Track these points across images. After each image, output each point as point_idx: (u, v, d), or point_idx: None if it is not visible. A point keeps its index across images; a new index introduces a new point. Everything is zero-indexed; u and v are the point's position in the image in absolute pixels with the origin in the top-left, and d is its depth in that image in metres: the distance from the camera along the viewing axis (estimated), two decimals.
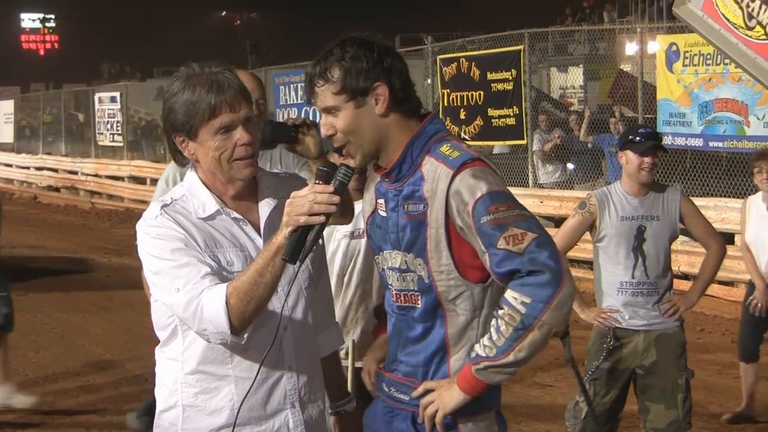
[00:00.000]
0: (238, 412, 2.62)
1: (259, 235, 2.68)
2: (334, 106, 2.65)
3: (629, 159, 4.87)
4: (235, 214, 2.69)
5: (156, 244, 2.62)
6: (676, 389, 4.86)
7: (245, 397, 2.61)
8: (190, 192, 2.71)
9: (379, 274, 2.85)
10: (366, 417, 2.90)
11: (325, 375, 2.87)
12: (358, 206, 4.36)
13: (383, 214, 2.77)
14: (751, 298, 6.53)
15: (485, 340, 2.57)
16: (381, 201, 2.79)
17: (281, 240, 2.49)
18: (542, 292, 2.50)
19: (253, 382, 2.60)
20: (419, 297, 2.69)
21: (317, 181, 2.51)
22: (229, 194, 2.71)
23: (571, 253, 5.44)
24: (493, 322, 2.57)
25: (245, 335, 2.56)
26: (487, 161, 2.64)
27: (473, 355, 2.59)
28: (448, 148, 2.64)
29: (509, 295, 2.53)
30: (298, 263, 2.48)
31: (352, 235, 4.41)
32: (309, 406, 2.74)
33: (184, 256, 2.57)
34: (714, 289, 7.14)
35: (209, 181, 2.71)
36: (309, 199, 2.47)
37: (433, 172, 2.62)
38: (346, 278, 4.43)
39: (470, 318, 2.64)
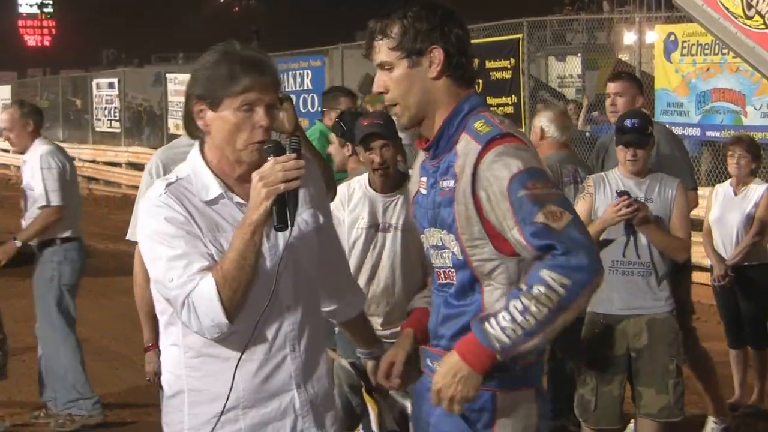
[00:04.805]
0: (230, 391, 2.61)
1: None
2: (388, 62, 2.69)
3: (618, 148, 4.95)
4: (238, 199, 2.67)
5: (157, 227, 2.61)
6: (667, 374, 4.85)
7: (234, 372, 2.60)
8: (194, 172, 2.69)
9: (425, 254, 2.87)
10: (414, 395, 2.91)
11: (356, 331, 3.06)
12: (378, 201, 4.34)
13: (424, 192, 2.81)
14: (712, 279, 6.72)
15: (504, 321, 2.53)
16: (424, 179, 2.82)
17: (258, 217, 2.52)
18: (581, 276, 2.49)
19: (238, 362, 2.59)
20: (455, 274, 2.71)
21: (270, 158, 2.56)
22: (234, 175, 2.69)
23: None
24: (517, 302, 2.52)
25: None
26: (521, 136, 2.67)
27: (490, 341, 2.54)
28: (481, 123, 2.67)
29: (546, 275, 2.50)
30: (290, 226, 2.54)
31: (378, 228, 4.38)
32: (315, 385, 2.74)
33: (183, 245, 2.57)
34: (709, 278, 7.21)
35: (215, 159, 2.69)
36: (278, 169, 2.52)
37: (465, 147, 2.66)
38: (369, 271, 4.40)
39: (507, 291, 2.63)
